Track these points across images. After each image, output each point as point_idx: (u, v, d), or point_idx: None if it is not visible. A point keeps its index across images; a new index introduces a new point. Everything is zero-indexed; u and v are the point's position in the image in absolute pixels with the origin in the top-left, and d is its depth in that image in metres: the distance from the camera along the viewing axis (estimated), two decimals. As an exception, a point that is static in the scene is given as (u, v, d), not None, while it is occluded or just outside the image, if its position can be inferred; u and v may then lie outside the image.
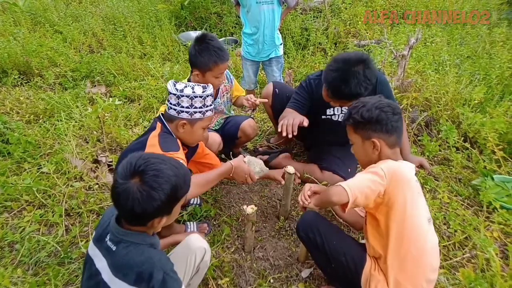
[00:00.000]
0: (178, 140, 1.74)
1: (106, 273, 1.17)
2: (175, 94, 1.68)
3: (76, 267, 1.88)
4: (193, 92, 1.68)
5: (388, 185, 1.37)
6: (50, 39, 4.45)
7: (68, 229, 2.14)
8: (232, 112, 2.69)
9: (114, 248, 1.16)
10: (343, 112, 2.29)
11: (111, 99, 3.35)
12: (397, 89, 2.81)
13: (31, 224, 2.13)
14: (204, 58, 2.06)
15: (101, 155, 2.73)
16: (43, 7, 5.31)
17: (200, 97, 1.69)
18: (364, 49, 3.95)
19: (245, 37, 3.25)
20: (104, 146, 2.82)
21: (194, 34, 4.76)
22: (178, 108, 1.69)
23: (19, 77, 3.78)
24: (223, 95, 2.46)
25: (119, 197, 1.12)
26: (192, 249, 1.46)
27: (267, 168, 2.01)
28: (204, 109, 1.73)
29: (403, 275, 1.41)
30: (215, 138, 2.30)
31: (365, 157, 1.56)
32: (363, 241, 1.66)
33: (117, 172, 1.14)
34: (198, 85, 1.73)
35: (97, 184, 2.45)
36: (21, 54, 3.89)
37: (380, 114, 1.47)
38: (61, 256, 1.93)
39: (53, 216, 2.16)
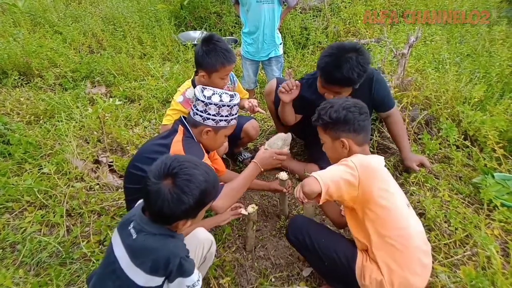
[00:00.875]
0: (201, 145, 1.75)
1: (124, 261, 1.21)
2: (203, 101, 1.67)
3: (78, 267, 1.89)
4: (221, 100, 1.68)
5: (361, 176, 1.40)
6: (50, 39, 4.45)
7: (69, 229, 2.14)
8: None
9: (134, 236, 1.21)
10: None
11: (111, 99, 3.36)
12: (397, 87, 2.81)
13: (32, 224, 2.13)
14: (212, 59, 2.05)
15: (102, 155, 2.73)
16: (42, 7, 5.31)
17: (228, 106, 1.70)
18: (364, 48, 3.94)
19: (244, 37, 3.25)
20: (105, 147, 2.83)
21: (193, 34, 4.76)
22: (204, 115, 1.69)
23: (19, 78, 3.79)
24: None
25: (150, 196, 1.16)
26: (201, 240, 1.51)
27: (289, 134, 1.93)
28: (229, 118, 1.73)
29: (393, 260, 1.42)
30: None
31: (336, 156, 1.62)
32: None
33: (151, 171, 1.18)
34: (226, 93, 1.73)
35: (98, 184, 2.46)
36: (21, 55, 3.89)
37: (347, 114, 1.54)
38: (63, 257, 1.94)
39: (54, 216, 2.16)
